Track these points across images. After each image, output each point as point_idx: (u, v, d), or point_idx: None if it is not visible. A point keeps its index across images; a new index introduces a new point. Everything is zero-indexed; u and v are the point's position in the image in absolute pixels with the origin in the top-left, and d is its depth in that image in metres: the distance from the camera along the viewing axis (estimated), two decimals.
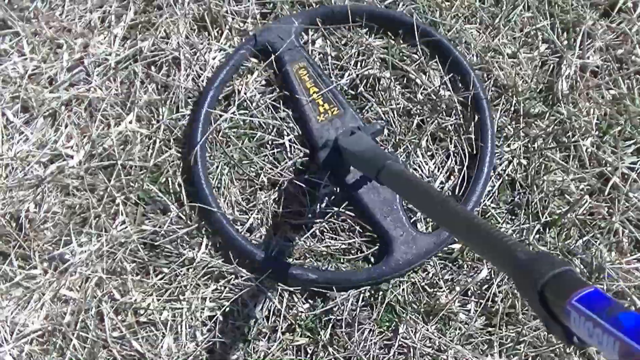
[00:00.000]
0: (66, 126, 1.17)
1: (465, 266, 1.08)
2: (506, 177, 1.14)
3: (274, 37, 1.19)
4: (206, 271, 1.06)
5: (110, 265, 1.07)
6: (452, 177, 1.14)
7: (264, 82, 1.20)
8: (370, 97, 1.18)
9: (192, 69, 1.20)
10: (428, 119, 1.16)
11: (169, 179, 1.12)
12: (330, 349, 1.02)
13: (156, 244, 1.08)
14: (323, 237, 1.09)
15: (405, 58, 1.21)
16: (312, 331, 1.04)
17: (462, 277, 1.07)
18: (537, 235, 1.10)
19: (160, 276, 1.07)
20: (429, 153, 1.16)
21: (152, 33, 1.22)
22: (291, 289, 1.05)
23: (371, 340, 1.03)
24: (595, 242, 1.10)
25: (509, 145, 1.16)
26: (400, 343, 1.02)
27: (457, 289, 1.06)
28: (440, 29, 1.23)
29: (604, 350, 0.44)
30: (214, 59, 1.21)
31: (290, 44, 1.19)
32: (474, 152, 1.14)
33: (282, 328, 1.04)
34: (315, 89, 1.16)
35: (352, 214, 1.10)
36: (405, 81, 1.19)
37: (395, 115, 1.17)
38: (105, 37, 1.24)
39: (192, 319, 1.05)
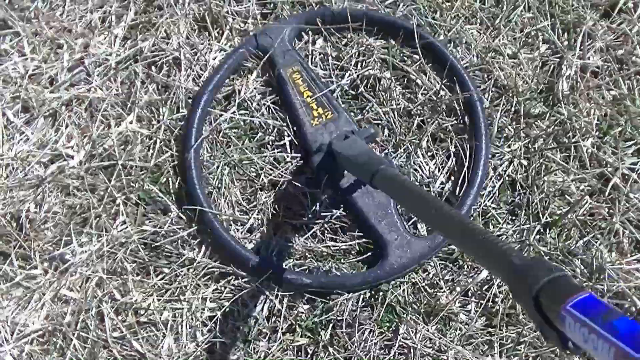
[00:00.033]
0: (67, 126, 1.17)
1: (465, 267, 1.08)
2: (507, 178, 1.14)
3: (267, 42, 1.19)
4: (206, 271, 1.06)
5: (111, 265, 1.07)
6: (452, 178, 1.14)
7: (263, 83, 1.20)
8: (370, 98, 1.18)
9: (192, 69, 1.20)
10: (428, 120, 1.16)
11: (170, 179, 1.13)
12: (331, 349, 1.02)
13: (156, 244, 1.08)
14: (324, 238, 1.09)
15: (405, 59, 1.21)
16: (312, 331, 1.04)
17: (463, 278, 1.07)
18: (538, 236, 1.10)
19: (160, 276, 1.07)
20: (429, 153, 1.16)
21: (152, 33, 1.22)
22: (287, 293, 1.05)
23: (372, 340, 1.03)
24: (596, 242, 1.10)
25: (509, 146, 1.16)
26: (400, 343, 1.02)
27: (458, 289, 1.06)
28: (439, 31, 1.23)
29: (599, 356, 0.44)
30: (214, 59, 1.21)
31: (283, 48, 1.18)
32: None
33: (282, 328, 1.04)
34: (309, 93, 1.16)
35: (349, 217, 1.10)
36: (405, 82, 1.19)
37: (396, 116, 1.17)
38: (105, 37, 1.24)
39: (192, 319, 1.05)
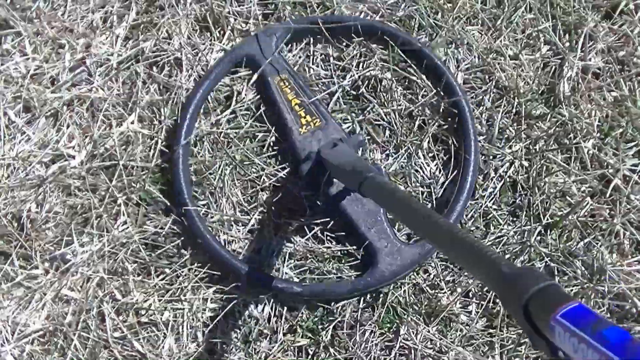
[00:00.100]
0: (68, 126, 1.17)
1: None
2: (508, 179, 1.14)
3: (254, 49, 1.19)
4: (207, 272, 1.06)
5: (112, 265, 1.07)
6: (452, 178, 1.14)
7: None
8: (372, 98, 1.18)
9: (193, 70, 1.20)
10: (429, 121, 1.16)
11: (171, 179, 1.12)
12: (332, 350, 1.02)
13: (157, 244, 1.08)
14: (324, 239, 1.09)
15: (406, 60, 1.21)
16: (313, 332, 1.04)
17: (464, 279, 1.07)
18: (539, 237, 1.10)
19: (161, 277, 1.07)
20: (430, 154, 1.16)
21: (154, 33, 1.22)
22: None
23: (372, 341, 1.03)
24: (597, 244, 1.10)
25: (510, 147, 1.16)
26: (401, 344, 1.03)
27: (459, 290, 1.06)
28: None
29: None
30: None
31: (270, 56, 1.17)
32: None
33: (283, 329, 1.04)
34: (297, 100, 1.15)
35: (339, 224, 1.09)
36: (406, 82, 1.19)
37: (397, 117, 1.17)
38: (107, 38, 1.24)
39: (193, 319, 1.05)
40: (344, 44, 1.22)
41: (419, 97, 1.17)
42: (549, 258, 1.08)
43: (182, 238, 1.09)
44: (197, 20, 1.24)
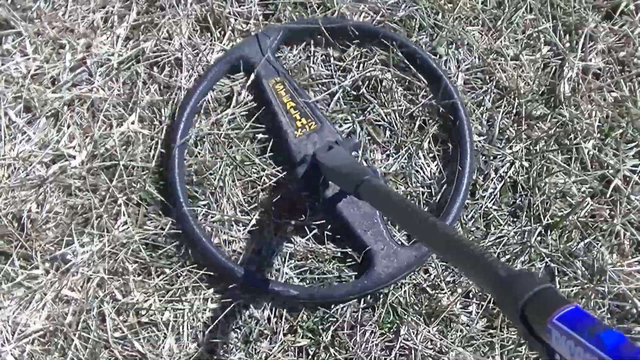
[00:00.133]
0: (68, 126, 1.17)
1: None
2: (508, 179, 1.14)
3: (249, 52, 1.18)
4: (207, 272, 1.06)
5: (112, 265, 1.07)
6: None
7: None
8: (372, 99, 1.18)
9: (194, 70, 1.20)
10: (430, 121, 1.16)
11: None
12: (332, 350, 1.02)
13: (158, 244, 1.08)
14: (324, 239, 1.09)
15: (406, 62, 1.21)
16: (313, 332, 1.04)
17: (464, 279, 1.07)
18: (539, 238, 1.10)
19: (162, 277, 1.07)
20: (430, 155, 1.16)
21: (154, 34, 1.22)
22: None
23: (373, 341, 1.03)
24: (597, 244, 1.10)
25: (510, 148, 1.16)
26: (401, 345, 1.03)
27: (459, 290, 1.06)
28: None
29: None
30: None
31: (265, 59, 1.17)
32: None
33: (283, 329, 1.04)
34: (292, 103, 1.15)
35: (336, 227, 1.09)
36: (407, 83, 1.19)
37: (398, 117, 1.17)
38: (107, 38, 1.24)
39: (193, 319, 1.05)
40: (344, 45, 1.22)
41: (419, 98, 1.17)
42: (549, 258, 1.08)
43: (183, 238, 1.09)
44: (197, 20, 1.24)
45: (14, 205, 1.10)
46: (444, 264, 1.08)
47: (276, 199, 1.11)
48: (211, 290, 1.06)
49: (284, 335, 1.04)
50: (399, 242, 1.08)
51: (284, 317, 1.04)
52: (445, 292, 1.06)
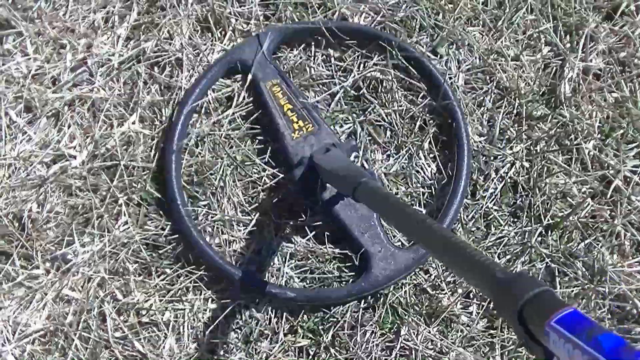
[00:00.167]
0: (69, 126, 1.17)
1: None
2: (508, 180, 1.14)
3: (246, 55, 1.18)
4: (208, 272, 1.06)
5: (113, 265, 1.07)
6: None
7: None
8: (373, 99, 1.18)
9: (194, 70, 1.20)
10: (430, 122, 1.16)
11: None
12: (332, 351, 1.02)
13: (158, 244, 1.09)
14: (324, 240, 1.09)
15: (403, 62, 1.21)
16: (314, 332, 1.04)
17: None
18: (540, 238, 1.10)
19: (162, 277, 1.07)
20: (431, 155, 1.16)
21: (155, 34, 1.22)
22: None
23: (373, 342, 1.03)
24: (597, 245, 1.10)
25: (511, 148, 1.16)
26: (402, 345, 1.03)
27: (459, 291, 1.06)
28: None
29: None
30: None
31: (262, 61, 1.17)
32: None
33: (284, 329, 1.04)
34: (290, 105, 1.14)
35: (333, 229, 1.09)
36: (407, 83, 1.19)
37: (398, 117, 1.17)
38: (108, 38, 1.24)
39: (194, 319, 1.05)
40: (344, 46, 1.22)
41: (419, 99, 1.18)
42: (550, 259, 1.08)
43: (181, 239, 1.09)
44: (198, 20, 1.24)
45: (14, 205, 1.10)
46: None
47: (276, 199, 1.11)
48: (211, 290, 1.06)
49: (285, 335, 1.04)
50: (397, 245, 1.08)
51: (284, 317, 1.04)
52: (446, 293, 1.06)
